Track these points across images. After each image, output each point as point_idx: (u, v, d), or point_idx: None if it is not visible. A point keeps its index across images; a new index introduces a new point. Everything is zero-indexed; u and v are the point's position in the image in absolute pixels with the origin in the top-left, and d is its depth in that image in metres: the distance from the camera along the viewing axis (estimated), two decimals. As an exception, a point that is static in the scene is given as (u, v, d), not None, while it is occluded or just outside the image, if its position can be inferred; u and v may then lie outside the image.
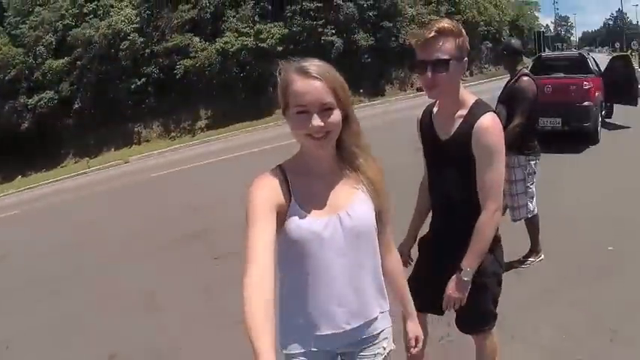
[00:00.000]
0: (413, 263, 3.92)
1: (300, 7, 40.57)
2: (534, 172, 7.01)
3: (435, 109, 3.65)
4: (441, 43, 3.17)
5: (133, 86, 40.79)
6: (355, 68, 36.63)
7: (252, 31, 40.23)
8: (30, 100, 42.26)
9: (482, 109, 3.37)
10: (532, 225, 7.19)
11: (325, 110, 2.29)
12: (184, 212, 13.55)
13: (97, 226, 14.07)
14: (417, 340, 2.97)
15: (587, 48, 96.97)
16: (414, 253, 3.93)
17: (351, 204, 2.49)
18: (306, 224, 2.38)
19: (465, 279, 3.40)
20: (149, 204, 15.99)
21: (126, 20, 42.21)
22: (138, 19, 42.36)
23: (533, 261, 7.24)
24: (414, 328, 2.98)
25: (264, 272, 2.05)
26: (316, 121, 2.27)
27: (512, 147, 6.34)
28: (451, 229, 3.60)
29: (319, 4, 40.53)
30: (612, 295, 6.15)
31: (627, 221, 8.40)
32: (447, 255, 3.51)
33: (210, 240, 10.73)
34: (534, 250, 7.27)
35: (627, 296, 6.06)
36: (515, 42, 7.78)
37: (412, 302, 2.97)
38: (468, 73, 36.26)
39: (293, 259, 2.43)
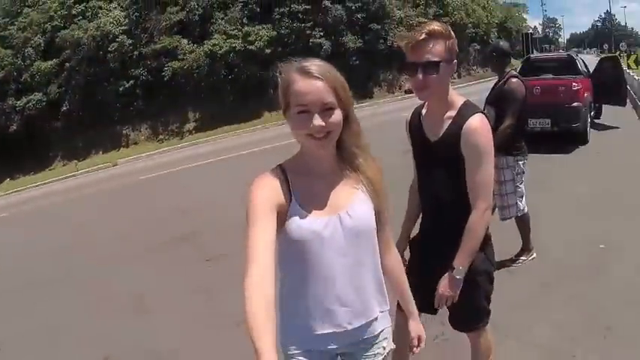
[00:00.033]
0: (405, 265, 3.91)
1: (288, 9, 40.68)
2: (523, 172, 7.09)
3: (423, 111, 3.70)
4: (431, 46, 3.23)
5: (121, 88, 40.53)
6: (343, 70, 36.36)
7: (240, 33, 40.27)
8: (18, 102, 41.94)
9: (470, 111, 3.43)
10: (523, 223, 7.29)
11: (326, 110, 2.30)
12: (173, 215, 13.57)
13: (87, 229, 14.08)
14: (419, 339, 2.97)
15: (575, 49, 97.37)
16: (406, 254, 3.94)
17: (351, 204, 2.50)
18: (306, 224, 2.39)
19: (458, 277, 3.46)
20: (138, 207, 16.00)
21: (114, 22, 42.03)
22: (126, 20, 42.18)
23: (525, 259, 7.32)
24: (416, 327, 2.98)
25: (265, 272, 2.07)
26: (317, 120, 2.28)
27: (502, 148, 6.45)
28: (441, 230, 3.65)
29: (307, 7, 40.70)
30: (605, 292, 6.24)
31: (617, 220, 8.57)
32: (437, 255, 3.55)
33: (200, 242, 10.76)
34: (526, 248, 7.37)
35: (620, 293, 6.16)
36: (503, 44, 7.86)
37: (413, 301, 2.99)
38: (456, 75, 36.42)
39: (293, 259, 2.44)
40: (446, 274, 3.48)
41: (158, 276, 9.24)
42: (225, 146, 28.27)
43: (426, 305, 3.53)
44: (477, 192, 3.41)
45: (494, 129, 3.52)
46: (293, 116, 2.34)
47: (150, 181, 21.57)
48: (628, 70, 29.68)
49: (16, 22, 44.50)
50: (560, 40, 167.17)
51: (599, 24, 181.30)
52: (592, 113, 16.73)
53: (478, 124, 3.34)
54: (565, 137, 14.52)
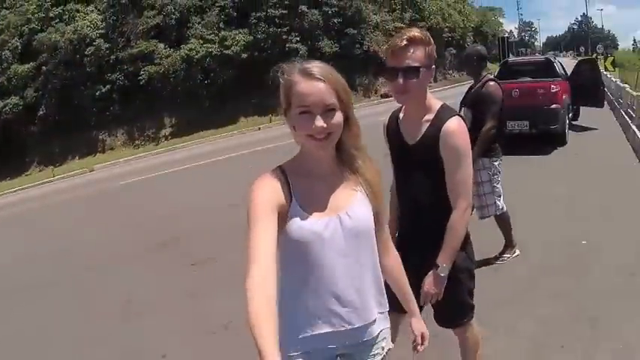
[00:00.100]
0: None
1: (264, 14, 40.69)
2: (499, 172, 7.27)
3: (401, 115, 3.80)
4: (411, 51, 3.35)
5: (97, 93, 40.38)
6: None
7: (217, 37, 40.31)
8: (-5, 106, 41.50)
9: (448, 114, 3.55)
10: (502, 221, 7.48)
11: (328, 111, 2.33)
12: (153, 221, 13.56)
13: (66, 235, 13.92)
14: (422, 337, 2.99)
15: (551, 52, 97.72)
16: None
17: (351, 205, 2.52)
18: (307, 225, 2.41)
19: (442, 275, 3.55)
20: (117, 213, 15.92)
21: (91, 25, 41.84)
22: (103, 24, 42.02)
23: (508, 257, 7.53)
24: (418, 325, 3.00)
25: (266, 272, 2.08)
26: (319, 122, 2.31)
27: (487, 148, 6.91)
28: (420, 231, 3.73)
29: (284, 12, 40.73)
30: (589, 286, 6.46)
31: (597, 217, 8.89)
32: (418, 256, 3.55)
33: (183, 248, 10.74)
34: (509, 245, 7.57)
35: (604, 286, 6.38)
36: (481, 48, 7.99)
37: (415, 300, 3.03)
38: (432, 79, 37.13)
39: (294, 260, 2.45)
40: (430, 273, 3.56)
41: (144, 281, 9.19)
42: (202, 152, 28.24)
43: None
44: (458, 192, 3.52)
45: (471, 131, 3.70)
46: (294, 117, 2.38)
47: (128, 186, 21.50)
48: (605, 73, 30.00)
49: (-7, 24, 43.98)
50: (536, 43, 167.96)
51: (575, 27, 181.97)
52: (570, 115, 17.04)
53: (456, 127, 3.46)
54: (544, 139, 14.84)
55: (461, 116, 3.63)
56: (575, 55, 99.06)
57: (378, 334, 2.68)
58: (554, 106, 14.65)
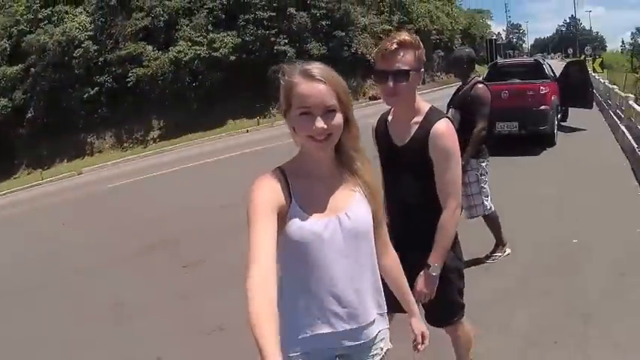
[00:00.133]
0: None
1: (253, 16, 40.64)
2: (486, 173, 7.34)
3: (389, 117, 3.84)
4: (401, 55, 3.39)
5: (85, 95, 40.40)
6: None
7: (205, 40, 40.27)
8: (-16, 108, 41.26)
9: (436, 116, 3.58)
10: (491, 221, 7.53)
11: (328, 112, 2.33)
12: (142, 223, 13.50)
13: (56, 239, 13.81)
14: (423, 336, 3.02)
15: (539, 54, 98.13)
16: None
17: (350, 206, 2.52)
18: (307, 225, 2.40)
19: (434, 274, 3.59)
20: (106, 216, 15.86)
21: (80, 27, 41.69)
22: (92, 26, 41.89)
23: (500, 255, 7.59)
24: (418, 325, 3.02)
25: (267, 272, 2.06)
26: (319, 123, 2.31)
27: (479, 148, 7.03)
28: (410, 232, 3.67)
29: (272, 14, 40.73)
30: (580, 284, 6.52)
31: (587, 217, 8.93)
32: (409, 257, 3.39)
33: (174, 250, 10.68)
34: (499, 244, 7.62)
35: (595, 285, 6.45)
36: (470, 51, 8.06)
37: (414, 300, 3.06)
38: (420, 82, 37.27)
39: (293, 260, 2.44)
40: (421, 273, 3.59)
41: (135, 284, 9.11)
42: (190, 154, 28.23)
43: (399, 305, 3.45)
44: (447, 192, 3.56)
45: (459, 132, 3.76)
46: (295, 118, 2.37)
47: (116, 189, 21.47)
48: (594, 74, 30.21)
49: (-19, 26, 43.71)
50: (524, 45, 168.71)
51: (563, 29, 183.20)
52: (559, 116, 17.19)
53: (444, 129, 3.50)
54: (533, 140, 14.95)
55: (449, 118, 3.66)
56: (563, 57, 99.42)
57: (377, 334, 2.69)
58: (543, 107, 14.82)
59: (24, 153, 42.04)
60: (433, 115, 3.58)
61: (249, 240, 2.15)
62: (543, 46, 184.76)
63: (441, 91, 33.50)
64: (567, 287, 6.49)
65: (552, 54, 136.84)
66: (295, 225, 2.39)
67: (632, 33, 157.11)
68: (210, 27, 41.16)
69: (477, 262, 7.28)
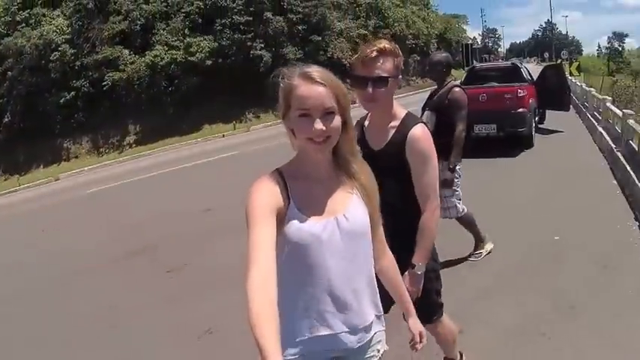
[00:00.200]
0: None
1: (230, 20, 40.59)
2: (459, 176, 7.49)
3: (366, 123, 3.93)
4: (381, 62, 3.50)
5: (62, 100, 40.15)
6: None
7: (181, 44, 40.18)
8: (-40, 112, 40.70)
9: (412, 121, 3.70)
10: (465, 222, 7.62)
11: (327, 114, 2.35)
12: (122, 229, 13.38)
13: (36, 246, 13.70)
14: (421, 335, 3.07)
15: (515, 58, 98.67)
16: None
17: (348, 207, 2.54)
18: (306, 227, 2.42)
19: (419, 273, 3.71)
20: (85, 222, 15.65)
21: (57, 30, 41.32)
22: (69, 29, 41.52)
23: (482, 252, 7.70)
24: (415, 324, 3.08)
25: (266, 274, 2.07)
26: (318, 124, 2.33)
27: (461, 149, 7.20)
28: (391, 235, 3.59)
29: (249, 18, 40.69)
30: (565, 277, 6.73)
31: (567, 215, 9.17)
32: (401, 257, 3.47)
33: (156, 255, 10.61)
34: (479, 240, 7.73)
35: (579, 277, 6.66)
36: (447, 56, 8.18)
37: (410, 300, 3.10)
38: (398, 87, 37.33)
39: (292, 262, 2.43)
40: (406, 272, 3.64)
41: (123, 290, 8.99)
42: (167, 159, 28.09)
43: (387, 307, 3.51)
44: (427, 194, 3.67)
45: (435, 134, 3.89)
46: (294, 119, 2.40)
47: (95, 195, 21.27)
48: (571, 77, 30.64)
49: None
50: (500, 50, 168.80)
51: (539, 33, 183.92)
52: (536, 118, 17.51)
53: (420, 133, 3.61)
54: (511, 142, 15.20)
55: (424, 123, 3.81)
56: (539, 61, 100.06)
57: (373, 336, 2.71)
58: (521, 109, 15.08)
59: (0, 158, 41.46)
60: (410, 120, 3.72)
61: (248, 242, 2.18)
62: (519, 51, 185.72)
63: (417, 95, 33.45)
64: (552, 281, 6.68)
65: (528, 58, 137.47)
66: (294, 227, 2.41)
67: (608, 37, 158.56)
68: (187, 31, 41.05)
69: (461, 260, 7.48)
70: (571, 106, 20.57)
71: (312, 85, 2.35)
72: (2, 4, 43.82)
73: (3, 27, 43.20)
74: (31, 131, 40.06)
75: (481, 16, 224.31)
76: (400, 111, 3.78)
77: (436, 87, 7.87)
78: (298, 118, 2.37)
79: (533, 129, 16.12)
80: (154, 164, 26.96)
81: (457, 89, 7.51)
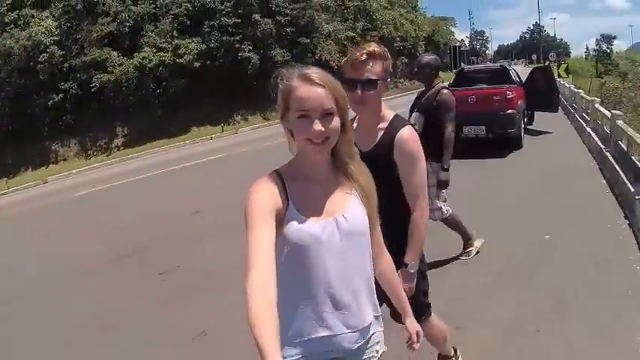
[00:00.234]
0: None
1: (218, 22, 40.59)
2: None
3: (354, 124, 3.80)
4: (370, 65, 3.54)
5: (50, 102, 40.11)
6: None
7: (170, 46, 40.11)
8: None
9: (400, 123, 3.73)
10: (451, 223, 7.64)
11: (326, 116, 2.36)
12: (112, 232, 13.25)
13: (25, 249, 13.73)
14: (417, 334, 3.05)
15: (503, 60, 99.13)
16: None
17: (347, 208, 2.54)
18: (305, 228, 2.41)
19: (412, 271, 3.76)
20: (74, 225, 15.72)
21: (46, 32, 41.18)
22: (58, 31, 41.38)
23: (471, 250, 7.76)
24: (412, 324, 3.06)
25: (266, 275, 2.07)
26: (317, 125, 2.33)
27: (451, 149, 7.20)
28: (389, 235, 3.63)
29: (237, 20, 40.72)
30: (558, 274, 6.79)
31: (557, 214, 9.23)
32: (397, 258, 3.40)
33: (147, 257, 10.54)
34: (467, 239, 7.78)
35: (571, 274, 6.73)
36: (436, 58, 8.18)
37: (407, 301, 3.09)
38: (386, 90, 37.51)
39: (291, 263, 2.43)
40: (399, 271, 3.60)
41: (115, 292, 8.88)
42: (156, 162, 27.95)
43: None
44: (416, 194, 3.70)
45: (423, 136, 3.94)
46: (292, 121, 2.39)
47: (83, 198, 21.10)
48: (559, 79, 30.78)
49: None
50: (487, 52, 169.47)
51: (527, 35, 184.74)
52: (525, 119, 17.64)
53: (408, 135, 3.65)
54: (500, 143, 15.29)
55: (412, 125, 3.85)
56: (527, 63, 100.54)
57: (372, 337, 2.70)
58: (510, 111, 15.20)
59: (-12, 161, 41.12)
60: (397, 122, 3.75)
61: (247, 243, 2.17)
62: (507, 53, 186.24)
63: (404, 97, 33.42)
64: (544, 278, 6.75)
65: (516, 60, 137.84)
66: (293, 227, 2.41)
67: (596, 39, 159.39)
68: (175, 33, 41.03)
69: (453, 260, 7.54)
70: (559, 107, 20.71)
71: (312, 86, 2.35)
72: (-8, 6, 43.37)
73: (-8, 28, 42.71)
74: (19, 134, 39.98)
75: (469, 19, 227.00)
76: (388, 113, 3.82)
77: (424, 88, 7.91)
78: (297, 119, 2.37)
79: (522, 130, 16.22)
80: (143, 167, 26.93)
81: (445, 91, 7.55)
